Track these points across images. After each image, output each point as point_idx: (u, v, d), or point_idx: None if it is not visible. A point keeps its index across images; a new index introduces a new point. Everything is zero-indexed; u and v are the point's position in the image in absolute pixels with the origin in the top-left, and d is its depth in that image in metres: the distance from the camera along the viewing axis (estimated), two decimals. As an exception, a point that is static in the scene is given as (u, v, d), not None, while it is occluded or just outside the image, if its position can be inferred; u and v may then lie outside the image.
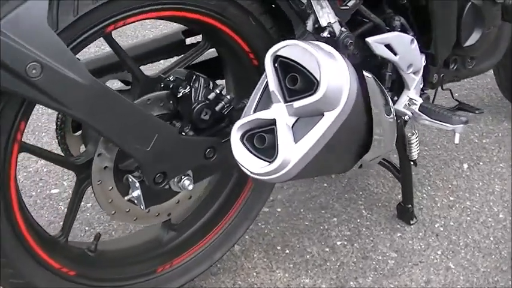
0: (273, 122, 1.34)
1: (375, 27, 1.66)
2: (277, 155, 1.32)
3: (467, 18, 1.82)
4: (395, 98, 1.78)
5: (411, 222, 2.04)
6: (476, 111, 1.94)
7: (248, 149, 1.36)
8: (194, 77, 1.46)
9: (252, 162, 1.35)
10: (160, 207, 1.57)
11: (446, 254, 1.94)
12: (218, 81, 1.70)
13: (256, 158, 1.35)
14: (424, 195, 2.18)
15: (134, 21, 1.37)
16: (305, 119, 1.33)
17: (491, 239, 2.00)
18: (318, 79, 1.29)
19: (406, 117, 1.78)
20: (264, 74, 1.37)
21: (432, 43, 1.76)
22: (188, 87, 1.45)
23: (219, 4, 1.44)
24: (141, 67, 1.65)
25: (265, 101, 1.38)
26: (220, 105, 1.48)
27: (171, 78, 1.48)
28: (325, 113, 1.32)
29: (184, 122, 1.48)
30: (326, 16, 1.41)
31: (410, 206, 2.03)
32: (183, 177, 1.47)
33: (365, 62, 1.69)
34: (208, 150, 1.47)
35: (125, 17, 1.33)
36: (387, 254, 1.94)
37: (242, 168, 1.37)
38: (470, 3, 1.81)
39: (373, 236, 2.00)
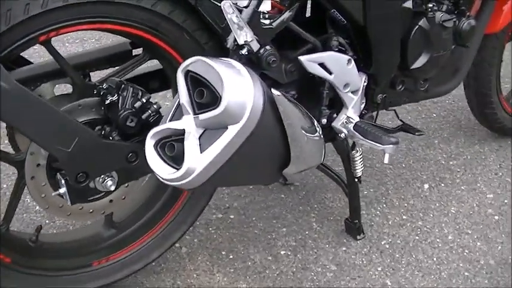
0: (183, 132, 1.42)
1: (313, 46, 1.73)
2: (183, 163, 1.40)
3: (414, 41, 1.86)
4: (335, 115, 1.84)
5: (358, 237, 2.09)
6: (416, 133, 1.97)
7: (160, 156, 1.44)
8: (123, 86, 1.55)
9: (162, 168, 1.43)
10: (94, 205, 1.67)
11: (386, 271, 1.99)
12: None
13: (166, 165, 1.43)
14: (378, 212, 2.22)
15: (67, 32, 1.47)
16: (211, 131, 1.41)
17: (435, 259, 2.04)
18: (220, 94, 1.36)
19: (342, 135, 1.83)
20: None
21: (372, 64, 1.81)
22: (116, 95, 1.54)
23: (152, 19, 1.53)
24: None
25: (180, 112, 1.46)
26: (146, 114, 1.56)
27: (104, 86, 1.57)
28: (228, 126, 1.39)
29: (113, 127, 1.57)
30: (244, 35, 1.48)
31: (357, 221, 2.08)
32: (106, 178, 1.56)
33: (304, 79, 1.76)
34: (130, 154, 1.56)
35: (55, 29, 1.43)
36: (327, 267, 1.99)
37: (154, 173, 1.45)
38: (417, 26, 1.85)
39: (318, 248, 2.06)
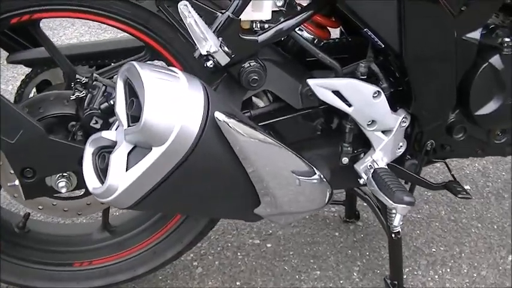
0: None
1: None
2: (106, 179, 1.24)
3: (480, 81, 1.49)
4: (362, 155, 1.54)
5: (395, 301, 1.75)
6: (459, 195, 1.58)
7: (95, 166, 1.29)
8: (94, 83, 1.41)
9: (91, 179, 1.27)
10: (69, 204, 1.57)
11: None
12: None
13: (95, 176, 1.28)
14: (437, 276, 1.85)
15: (42, 18, 1.38)
16: (140, 149, 1.22)
17: None
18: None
19: (361, 181, 1.52)
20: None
21: (412, 103, 1.48)
22: (84, 91, 1.41)
23: (139, 14, 1.37)
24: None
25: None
26: (114, 118, 1.41)
27: (82, 80, 1.45)
28: (153, 148, 1.19)
29: (80, 125, 1.44)
30: (208, 44, 1.26)
31: (396, 283, 1.73)
32: (60, 178, 1.44)
33: (325, 107, 1.49)
34: (83, 158, 1.42)
35: (30, 12, 1.34)
36: (343, 328, 1.70)
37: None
38: (486, 64, 1.48)
39: (344, 303, 1.77)
